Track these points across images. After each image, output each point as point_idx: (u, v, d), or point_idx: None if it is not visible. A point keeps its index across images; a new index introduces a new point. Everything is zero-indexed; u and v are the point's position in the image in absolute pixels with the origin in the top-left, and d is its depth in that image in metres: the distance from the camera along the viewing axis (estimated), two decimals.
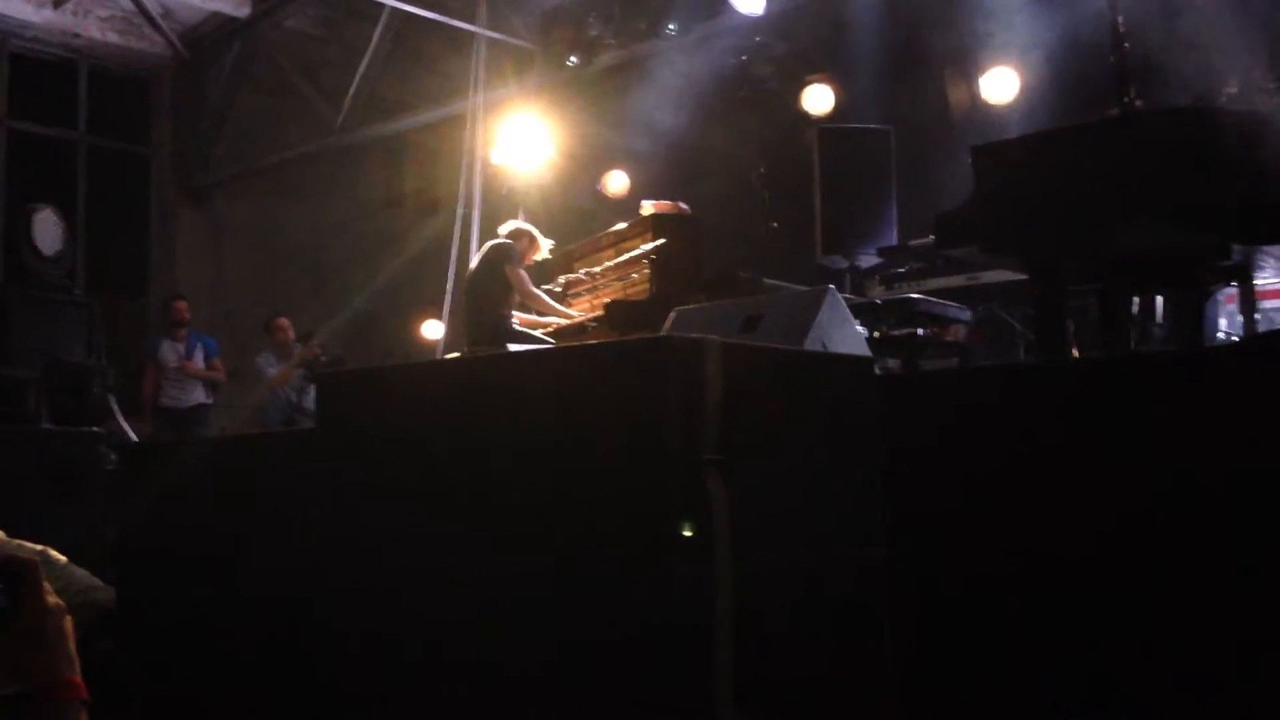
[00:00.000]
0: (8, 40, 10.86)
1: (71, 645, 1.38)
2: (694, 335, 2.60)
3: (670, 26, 8.76)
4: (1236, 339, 5.37)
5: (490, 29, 9.46)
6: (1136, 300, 5.17)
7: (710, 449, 2.42)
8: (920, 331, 5.48)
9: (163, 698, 4.08)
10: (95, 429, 5.12)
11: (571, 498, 2.48)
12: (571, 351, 2.86)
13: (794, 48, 8.56)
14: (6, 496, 4.10)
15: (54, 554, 4.10)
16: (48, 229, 7.07)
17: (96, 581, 4.07)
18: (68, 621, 1.39)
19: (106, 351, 8.71)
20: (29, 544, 4.13)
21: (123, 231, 11.88)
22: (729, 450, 2.43)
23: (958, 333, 5.93)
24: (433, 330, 9.86)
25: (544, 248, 7.18)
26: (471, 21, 9.40)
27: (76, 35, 11.13)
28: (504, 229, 7.19)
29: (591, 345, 3.18)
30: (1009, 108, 7.75)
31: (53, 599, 1.38)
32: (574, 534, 2.46)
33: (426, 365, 3.32)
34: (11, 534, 4.15)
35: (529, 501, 2.51)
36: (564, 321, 6.96)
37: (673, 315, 4.56)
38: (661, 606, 2.37)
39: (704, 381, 2.39)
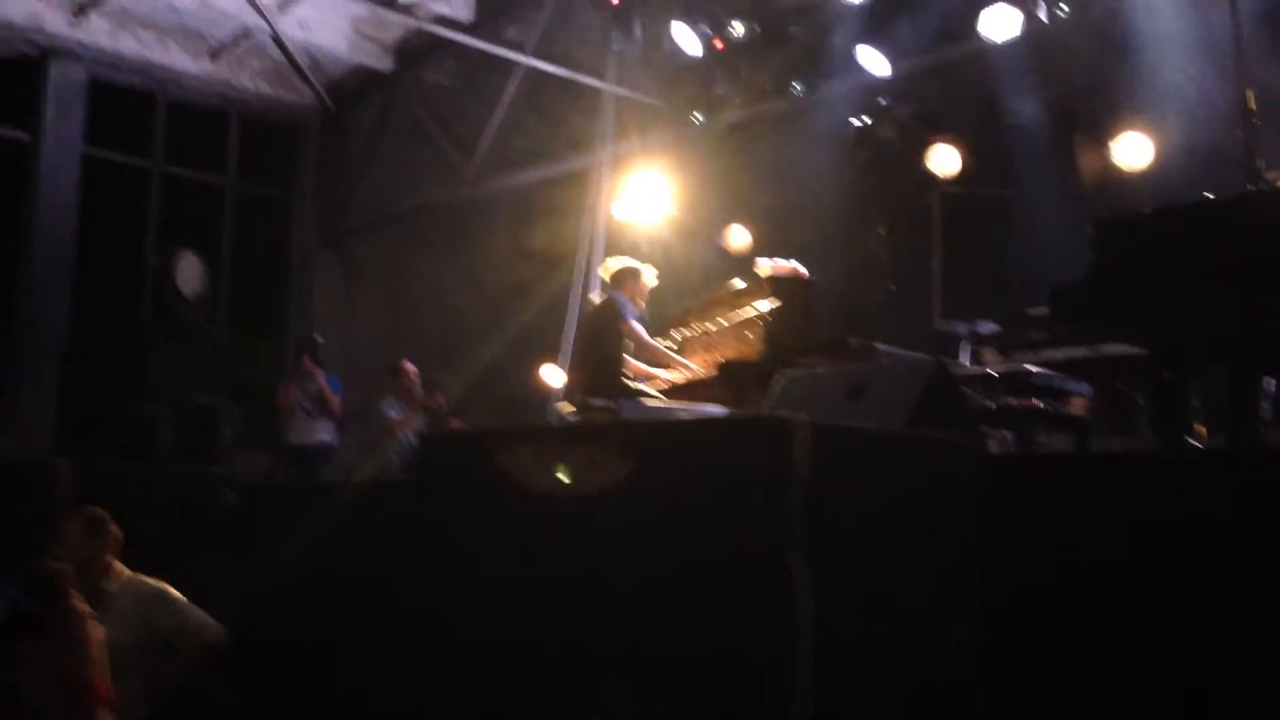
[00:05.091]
0: (167, 89, 11.48)
1: (96, 650, 1.47)
2: (784, 414, 2.60)
3: (795, 86, 8.79)
4: None
5: (618, 86, 9.63)
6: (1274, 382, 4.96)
7: (796, 530, 2.41)
8: (1039, 404, 5.34)
9: None
10: (217, 469, 5.33)
11: (660, 572, 2.49)
12: (663, 428, 2.89)
13: (920, 110, 8.50)
14: (131, 533, 4.29)
15: (172, 592, 4.28)
16: (189, 272, 7.41)
17: (210, 620, 4.23)
18: (95, 627, 1.47)
19: (244, 389, 9.02)
20: (149, 579, 4.32)
21: (265, 274, 12.37)
22: (815, 532, 2.42)
23: (1079, 405, 5.75)
24: (551, 375, 9.99)
25: (648, 275, 7.20)
26: (600, 78, 9.58)
27: (231, 85, 11.69)
28: (605, 272, 7.25)
29: (682, 422, 3.21)
30: (1142, 175, 7.53)
31: (81, 605, 1.46)
32: (666, 607, 2.48)
33: (523, 431, 3.39)
34: (134, 569, 4.35)
35: (618, 574, 2.54)
36: (678, 376, 6.99)
37: (781, 381, 4.56)
38: (741, 684, 2.37)
39: (791, 462, 2.39)
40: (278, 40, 11.14)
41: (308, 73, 11.79)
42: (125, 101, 11.34)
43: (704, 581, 2.42)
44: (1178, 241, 3.91)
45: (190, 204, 11.71)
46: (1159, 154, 7.57)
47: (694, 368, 7.01)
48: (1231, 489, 2.66)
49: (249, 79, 11.79)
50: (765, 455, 2.39)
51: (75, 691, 1.41)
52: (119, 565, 4.26)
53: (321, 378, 9.08)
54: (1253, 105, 4.00)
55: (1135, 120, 7.62)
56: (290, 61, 11.56)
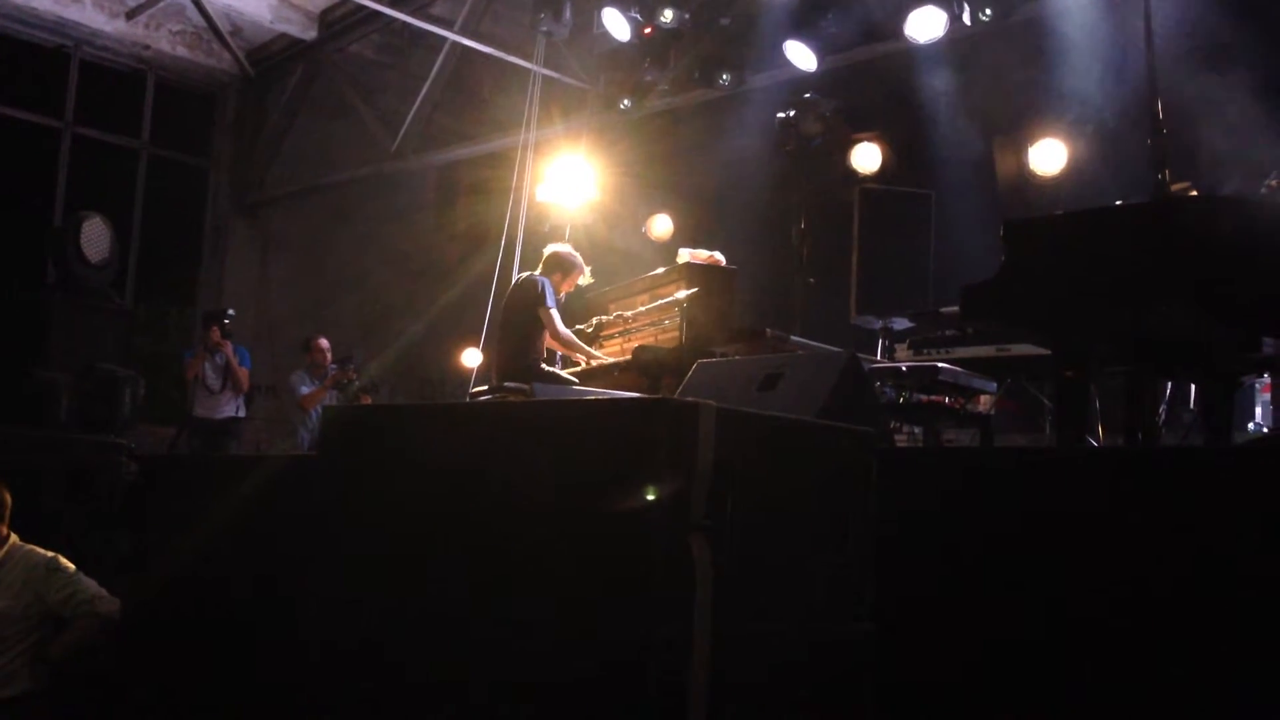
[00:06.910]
0: (79, 48, 11.14)
1: None
2: (691, 398, 2.60)
3: (724, 77, 8.82)
4: (1265, 431, 5.29)
5: (547, 68, 9.58)
6: (1169, 384, 5.11)
7: (699, 514, 2.41)
8: (946, 400, 5.44)
9: (161, 711, 4.10)
10: (118, 439, 5.18)
11: (562, 551, 2.48)
12: (568, 406, 2.87)
13: (844, 106, 8.58)
14: (25, 501, 4.16)
15: (64, 561, 4.17)
16: (95, 236, 7.21)
17: (103, 592, 4.13)
18: None
19: (150, 359, 8.79)
20: (40, 549, 4.20)
21: (177, 241, 12.10)
22: (718, 516, 2.43)
23: (985, 403, 5.88)
24: (472, 359, 9.92)
25: (583, 273, 7.17)
26: (529, 59, 9.51)
27: (146, 47, 11.40)
28: (546, 251, 7.21)
29: (589, 401, 3.19)
30: (1056, 180, 7.71)
31: None
32: (563, 586, 2.46)
33: (427, 408, 3.35)
34: (26, 538, 4.23)
35: (520, 552, 2.52)
36: (592, 362, 6.98)
37: (695, 368, 4.58)
38: (638, 664, 2.37)
39: (696, 446, 2.39)
40: (197, 2, 10.88)
41: (227, 37, 11.54)
42: (36, 59, 11.00)
43: (605, 565, 2.41)
44: (1083, 245, 3.99)
45: (101, 166, 11.39)
46: (1072, 160, 7.76)
47: (603, 358, 6.98)
48: (1125, 485, 2.73)
49: (166, 41, 11.50)
50: (670, 438, 2.38)
51: None
52: (9, 533, 4.14)
53: (230, 350, 8.91)
54: (1161, 116, 4.10)
55: (1051, 127, 7.79)
56: (210, 25, 11.30)
